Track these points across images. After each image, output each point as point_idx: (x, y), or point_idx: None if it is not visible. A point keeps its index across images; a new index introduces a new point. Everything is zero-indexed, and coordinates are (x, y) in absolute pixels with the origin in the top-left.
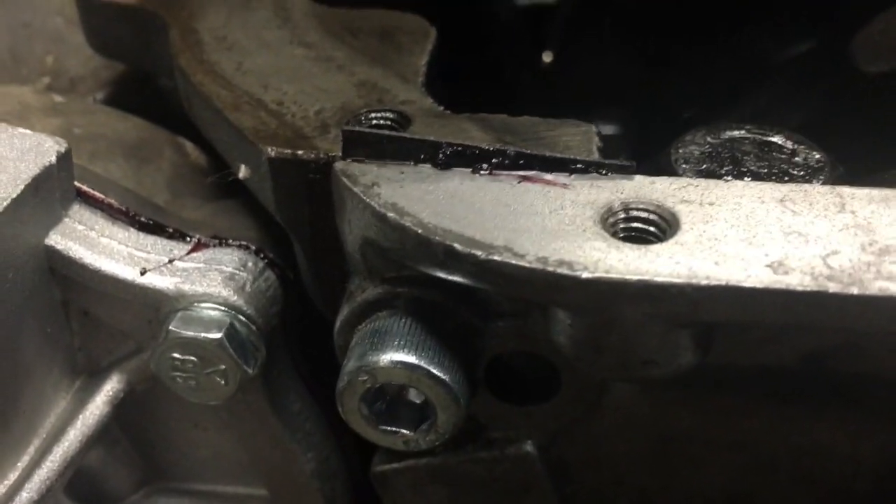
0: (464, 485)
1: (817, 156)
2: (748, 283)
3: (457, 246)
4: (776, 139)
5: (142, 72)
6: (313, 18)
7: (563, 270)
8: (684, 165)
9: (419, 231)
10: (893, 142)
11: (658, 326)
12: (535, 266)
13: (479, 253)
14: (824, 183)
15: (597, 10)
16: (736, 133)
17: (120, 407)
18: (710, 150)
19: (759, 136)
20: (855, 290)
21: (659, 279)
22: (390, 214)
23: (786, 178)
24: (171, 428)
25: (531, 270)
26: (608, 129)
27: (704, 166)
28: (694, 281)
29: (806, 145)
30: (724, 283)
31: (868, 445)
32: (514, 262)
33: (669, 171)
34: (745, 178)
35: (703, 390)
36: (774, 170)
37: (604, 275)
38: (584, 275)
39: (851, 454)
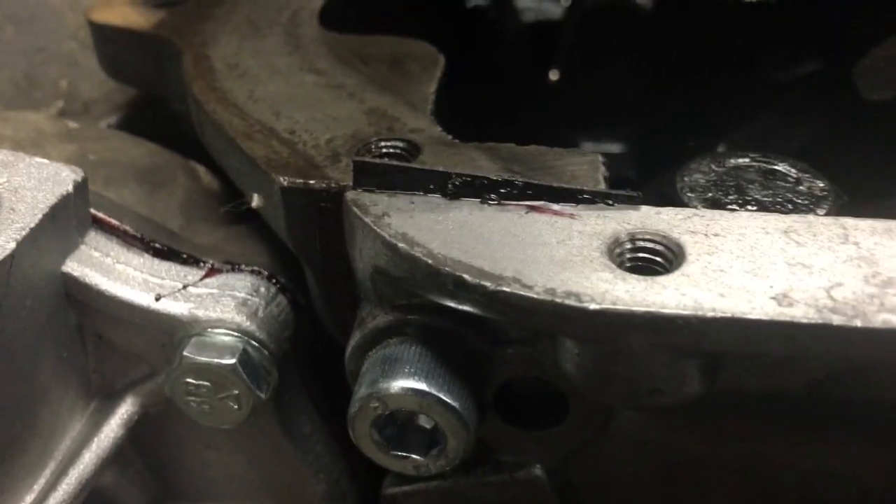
0: None
1: (821, 184)
2: (753, 316)
3: (466, 277)
4: (780, 167)
5: (153, 96)
6: (323, 45)
7: (571, 302)
8: (690, 194)
9: (429, 262)
10: (893, 169)
11: (664, 357)
12: (543, 297)
13: (488, 284)
14: (828, 212)
15: (602, 29)
16: (741, 161)
17: (134, 429)
18: (715, 178)
19: (764, 165)
20: (859, 323)
21: (665, 311)
22: (401, 245)
23: (790, 207)
24: (184, 449)
25: (539, 302)
26: (613, 148)
27: (710, 195)
28: (699, 313)
29: (810, 174)
30: (728, 315)
31: (873, 470)
32: (522, 293)
33: (675, 199)
34: (751, 207)
35: (709, 416)
36: (779, 198)
37: (610, 306)
38: (592, 306)
39: (856, 478)
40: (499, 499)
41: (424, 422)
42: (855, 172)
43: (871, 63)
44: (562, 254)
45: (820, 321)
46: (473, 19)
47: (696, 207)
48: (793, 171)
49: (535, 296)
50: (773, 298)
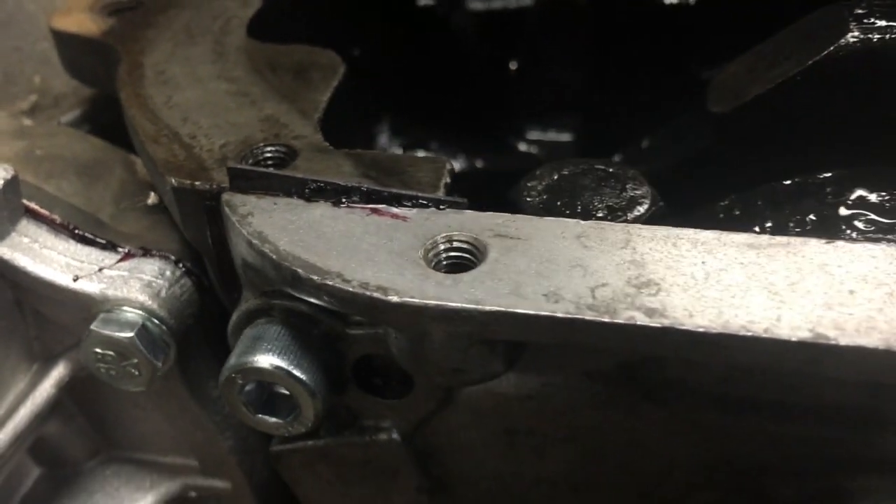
0: (345, 465)
1: (640, 191)
2: (522, 309)
3: (300, 271)
4: (613, 173)
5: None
6: (244, 54)
7: (378, 295)
8: (527, 199)
9: (273, 257)
10: (727, 176)
11: (459, 342)
12: (357, 290)
13: (315, 277)
14: (641, 216)
15: (551, 23)
16: (581, 167)
17: (68, 389)
18: (554, 183)
19: (601, 171)
20: (606, 318)
21: (452, 304)
22: (254, 241)
23: (607, 210)
24: (117, 407)
25: (354, 294)
26: (565, 137)
27: (545, 197)
28: (479, 306)
29: (637, 180)
30: (503, 308)
31: (678, 443)
32: (341, 286)
33: (518, 202)
34: (577, 210)
35: (534, 391)
36: (602, 203)
37: (409, 300)
38: (394, 299)
39: (666, 450)
40: (363, 457)
41: (284, 390)
42: (707, 178)
43: (722, 77)
44: (385, 252)
45: (576, 316)
46: (424, 18)
47: (528, 212)
48: (622, 177)
49: (350, 289)
50: (545, 295)
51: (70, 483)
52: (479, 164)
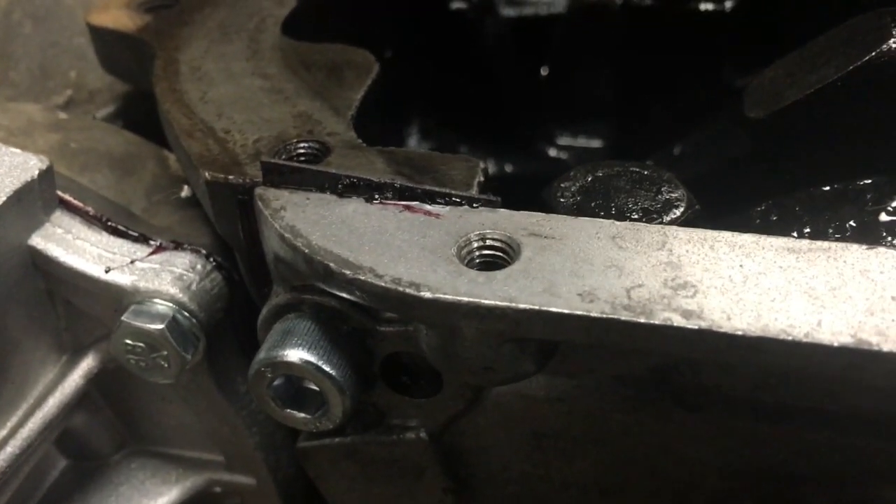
0: (371, 463)
1: (675, 193)
2: (556, 308)
3: (331, 265)
4: (648, 176)
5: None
6: (278, 51)
7: (411, 290)
8: (560, 199)
9: (306, 251)
10: (763, 182)
11: (491, 340)
12: (389, 285)
13: (347, 272)
14: (677, 218)
15: (583, 30)
16: (614, 170)
17: (97, 380)
18: (587, 185)
19: (635, 174)
20: (643, 319)
21: (485, 301)
22: (287, 235)
23: (642, 212)
24: (144, 400)
25: (386, 289)
26: (595, 143)
27: (579, 199)
28: (513, 304)
29: (672, 184)
30: (537, 307)
31: (710, 450)
32: (373, 281)
33: (551, 203)
34: (611, 212)
35: (564, 394)
36: (636, 205)
37: (441, 296)
38: (426, 295)
39: (697, 456)
40: (390, 456)
41: (313, 386)
42: (742, 183)
43: (759, 82)
44: (419, 248)
45: (611, 316)
46: (456, 22)
47: (561, 212)
48: (657, 179)
49: (383, 284)
50: (580, 295)
51: (96, 475)
52: (508, 168)
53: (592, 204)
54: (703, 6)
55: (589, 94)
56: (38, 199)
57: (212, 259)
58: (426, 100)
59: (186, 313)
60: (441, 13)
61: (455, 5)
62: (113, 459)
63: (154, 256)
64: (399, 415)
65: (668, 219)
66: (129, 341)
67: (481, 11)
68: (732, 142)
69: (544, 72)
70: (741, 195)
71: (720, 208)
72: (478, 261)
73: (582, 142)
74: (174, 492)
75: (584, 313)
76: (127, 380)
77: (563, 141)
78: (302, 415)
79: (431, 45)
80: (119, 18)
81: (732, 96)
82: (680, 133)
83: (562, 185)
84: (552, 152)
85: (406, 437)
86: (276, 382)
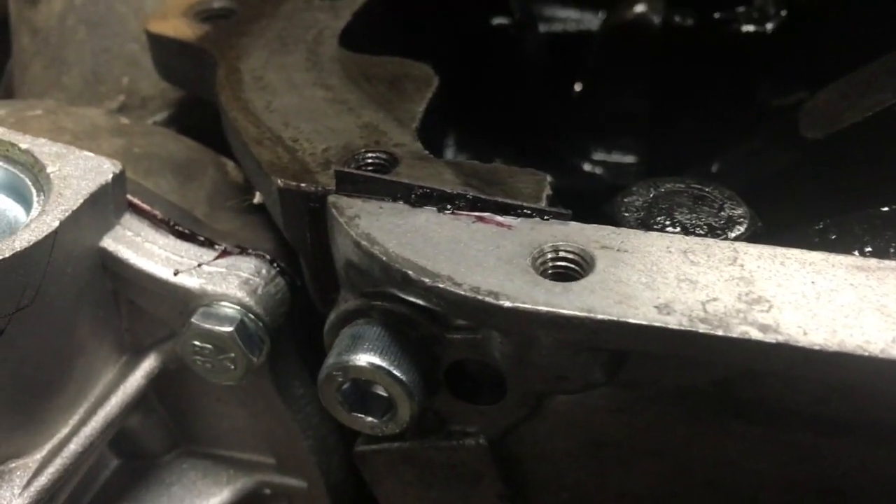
0: (428, 468)
1: (739, 210)
2: (634, 320)
3: (410, 273)
4: (709, 193)
5: (199, 97)
6: (337, 63)
7: (490, 299)
8: (625, 214)
9: (384, 258)
10: (820, 200)
11: (567, 349)
12: (468, 294)
13: (426, 280)
14: (741, 235)
15: (618, 47)
16: (677, 186)
17: (156, 381)
18: (650, 201)
19: (696, 190)
20: (721, 332)
21: (563, 311)
22: (363, 242)
23: (707, 229)
24: (199, 401)
25: (465, 297)
26: (629, 158)
27: (642, 214)
28: (592, 315)
29: (734, 201)
30: (615, 318)
31: (769, 462)
32: (452, 289)
33: (614, 216)
34: (675, 228)
35: (626, 404)
36: (700, 221)
37: (520, 305)
38: (506, 304)
39: (755, 468)
40: (448, 461)
41: (381, 391)
42: (792, 201)
43: (814, 103)
44: (494, 258)
45: (689, 328)
46: (497, 37)
47: (626, 226)
48: (719, 197)
49: (462, 292)
50: (656, 307)
51: (147, 475)
52: None
53: (657, 219)
54: (745, 28)
55: (623, 110)
56: (110, 202)
57: (275, 264)
58: (462, 113)
59: (252, 316)
60: (483, 27)
61: (497, 20)
62: (164, 459)
63: (220, 260)
64: (460, 421)
65: (733, 235)
66: (197, 342)
67: (522, 27)
68: (773, 160)
69: (578, 87)
70: (790, 213)
71: (767, 226)
72: (551, 272)
73: (616, 157)
74: (225, 493)
75: (663, 325)
76: (184, 381)
77: (598, 156)
78: (370, 419)
79: (470, 59)
80: (178, 27)
81: (769, 115)
82: (714, 150)
83: (625, 199)
84: (587, 167)
85: (466, 443)
86: (344, 387)
